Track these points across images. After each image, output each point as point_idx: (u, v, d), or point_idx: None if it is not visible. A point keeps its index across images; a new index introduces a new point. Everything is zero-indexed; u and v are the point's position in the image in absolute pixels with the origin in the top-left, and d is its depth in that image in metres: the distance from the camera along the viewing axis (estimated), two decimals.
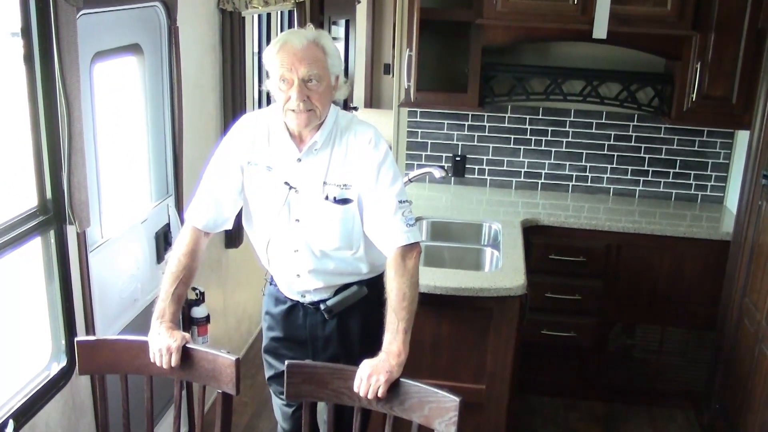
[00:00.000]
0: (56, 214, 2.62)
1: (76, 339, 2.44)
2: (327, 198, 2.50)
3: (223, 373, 2.25)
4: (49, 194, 2.61)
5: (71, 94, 2.50)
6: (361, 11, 9.46)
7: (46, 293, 2.70)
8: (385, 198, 2.48)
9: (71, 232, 2.70)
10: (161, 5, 3.27)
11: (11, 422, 2.43)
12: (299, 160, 2.52)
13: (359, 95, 9.80)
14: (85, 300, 2.82)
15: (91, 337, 2.64)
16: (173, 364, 2.27)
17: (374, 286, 2.67)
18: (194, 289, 3.64)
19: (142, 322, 3.24)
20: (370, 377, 2.22)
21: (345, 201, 2.51)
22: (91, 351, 2.39)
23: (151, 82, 3.34)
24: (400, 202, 2.49)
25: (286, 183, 2.53)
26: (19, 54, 2.44)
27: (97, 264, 2.89)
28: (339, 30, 7.60)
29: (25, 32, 2.44)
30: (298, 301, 2.70)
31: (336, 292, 2.65)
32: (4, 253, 2.40)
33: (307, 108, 2.40)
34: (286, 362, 2.28)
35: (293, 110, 2.41)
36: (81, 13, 2.58)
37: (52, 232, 2.64)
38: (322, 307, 2.65)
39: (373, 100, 10.19)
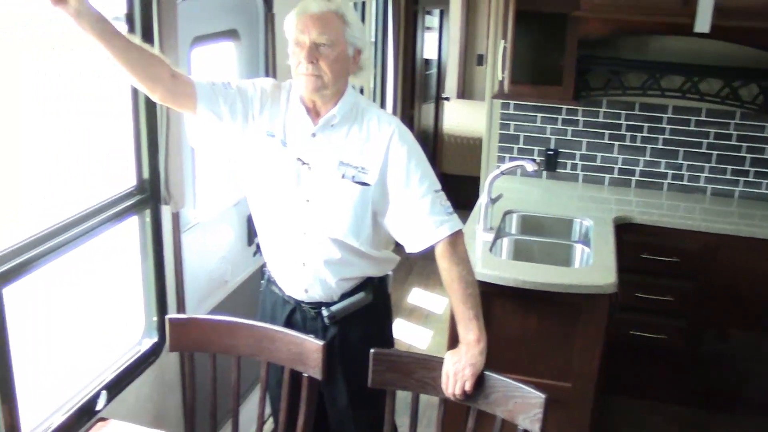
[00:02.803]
0: (152, 194, 2.68)
1: (167, 316, 2.49)
2: (344, 177, 2.38)
3: (310, 358, 2.28)
4: (146, 174, 2.67)
5: None
6: (456, 1, 9.40)
7: (141, 271, 2.76)
8: (421, 194, 2.37)
9: (166, 212, 2.76)
10: None
11: (104, 393, 2.50)
12: (314, 135, 2.40)
13: (451, 86, 9.74)
14: (177, 279, 2.88)
15: (181, 316, 2.68)
16: None
17: (379, 292, 2.61)
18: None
19: (231, 303, 3.31)
20: (456, 374, 2.22)
21: (362, 184, 2.40)
22: (181, 329, 2.44)
23: (247, 67, 3.38)
24: (435, 192, 2.39)
25: (299, 159, 2.40)
26: None
27: (189, 244, 2.95)
28: (433, 20, 7.58)
29: (129, 17, 2.51)
30: (299, 303, 2.57)
31: (341, 298, 2.54)
32: (103, 229, 2.47)
33: (315, 72, 2.28)
34: (372, 350, 2.29)
35: (303, 74, 2.30)
36: None
37: (147, 211, 2.70)
38: (324, 312, 2.54)
39: (465, 92, 10.13)
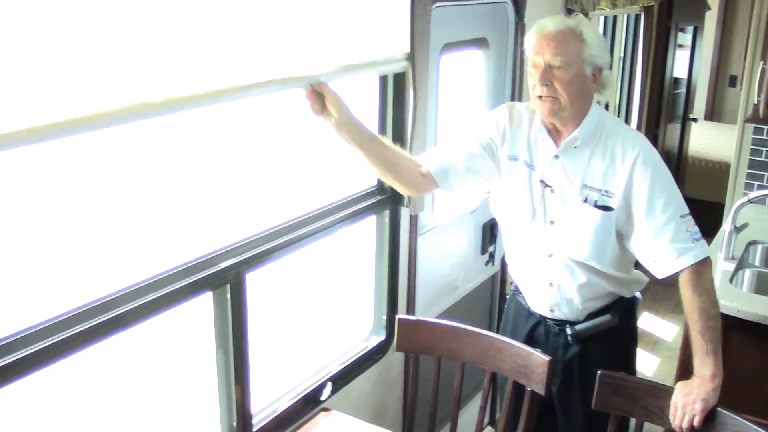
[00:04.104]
0: (393, 195, 2.75)
1: (397, 316, 2.55)
2: (586, 201, 2.31)
3: (535, 372, 2.26)
4: None
5: (419, 81, 2.59)
6: (710, 18, 8.96)
7: (375, 270, 2.84)
8: (665, 221, 2.24)
9: (404, 214, 2.82)
10: (511, 2, 3.31)
11: (329, 385, 2.60)
12: (556, 156, 2.35)
13: (700, 107, 9.30)
14: (410, 280, 2.93)
15: (411, 317, 2.73)
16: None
17: (625, 315, 2.51)
18: None
19: (459, 309, 3.33)
20: (685, 406, 2.13)
21: (605, 208, 2.30)
22: (409, 330, 2.50)
23: (495, 76, 3.39)
24: (681, 217, 2.25)
25: (542, 181, 2.37)
26: None
27: (424, 247, 3.00)
28: (686, 37, 7.27)
29: None
30: (543, 318, 2.54)
31: (587, 318, 2.48)
32: (342, 226, 2.56)
33: (550, 94, 2.21)
34: (599, 372, 2.24)
35: (538, 96, 2.25)
36: (435, 5, 2.68)
37: (387, 212, 2.78)
38: (568, 331, 2.48)
39: (714, 113, 9.66)
